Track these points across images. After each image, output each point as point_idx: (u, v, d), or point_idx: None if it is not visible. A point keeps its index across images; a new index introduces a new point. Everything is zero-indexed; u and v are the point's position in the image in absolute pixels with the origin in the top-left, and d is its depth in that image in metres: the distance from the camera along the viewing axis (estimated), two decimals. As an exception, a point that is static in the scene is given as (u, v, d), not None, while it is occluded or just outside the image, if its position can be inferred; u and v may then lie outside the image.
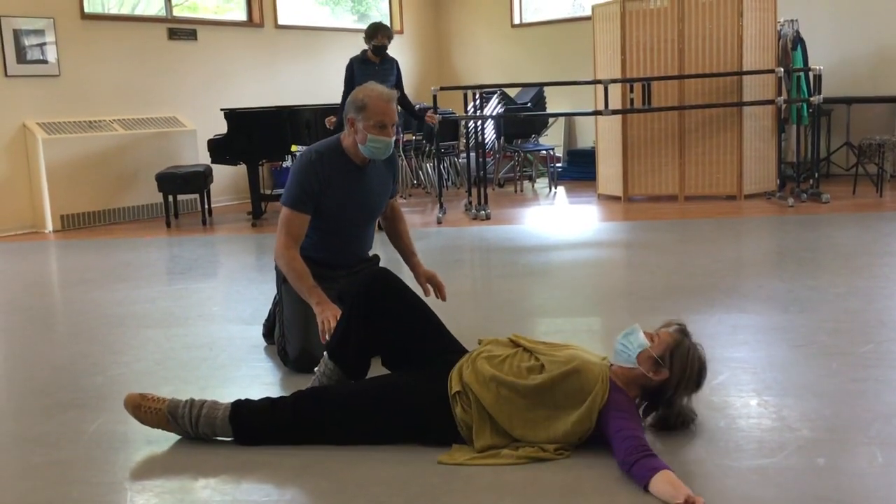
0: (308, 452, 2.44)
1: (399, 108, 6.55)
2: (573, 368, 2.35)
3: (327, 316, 2.92)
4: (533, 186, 9.65)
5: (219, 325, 4.06)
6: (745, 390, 2.83)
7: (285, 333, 3.25)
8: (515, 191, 9.28)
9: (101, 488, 2.30)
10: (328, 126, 7.00)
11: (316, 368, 2.74)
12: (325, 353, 2.73)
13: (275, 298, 3.66)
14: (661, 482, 2.06)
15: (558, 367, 2.37)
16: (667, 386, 2.40)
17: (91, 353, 3.64)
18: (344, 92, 6.59)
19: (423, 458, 2.36)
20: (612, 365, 2.45)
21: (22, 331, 4.15)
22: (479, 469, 2.29)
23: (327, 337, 2.81)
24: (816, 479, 2.17)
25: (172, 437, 2.57)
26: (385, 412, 2.46)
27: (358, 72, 6.64)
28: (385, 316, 2.61)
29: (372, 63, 6.69)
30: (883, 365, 3.03)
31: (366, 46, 6.75)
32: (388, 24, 11.07)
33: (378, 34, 6.66)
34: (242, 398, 2.59)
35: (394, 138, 3.19)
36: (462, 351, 2.62)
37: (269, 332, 3.64)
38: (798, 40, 7.85)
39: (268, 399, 2.59)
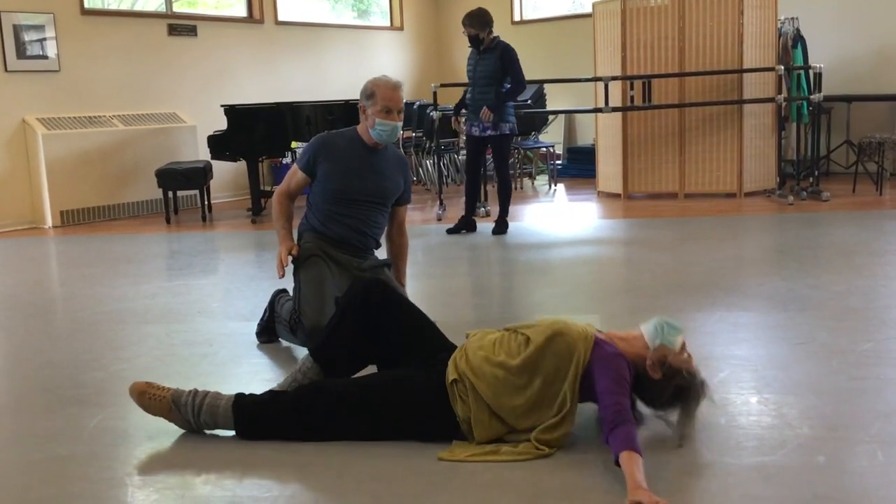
0: (309, 449, 2.44)
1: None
2: (556, 331, 2.42)
3: (284, 247, 3.41)
4: (533, 184, 9.65)
5: (219, 321, 4.06)
6: (745, 388, 2.84)
7: (300, 308, 3.38)
8: (515, 188, 9.25)
9: (102, 484, 2.30)
10: (485, 120, 6.13)
11: (296, 367, 2.76)
12: (308, 353, 2.73)
13: (272, 297, 3.68)
14: (625, 463, 2.09)
15: (541, 334, 2.43)
16: (646, 382, 2.43)
17: (91, 349, 3.64)
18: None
19: (424, 455, 2.36)
20: (599, 331, 2.50)
21: (22, 327, 4.15)
22: (480, 466, 2.29)
23: (282, 272, 3.35)
24: (816, 477, 2.17)
25: (174, 433, 2.58)
26: (386, 405, 2.46)
27: (469, 61, 6.31)
28: (380, 326, 2.62)
29: (473, 52, 6.22)
30: (883, 363, 3.03)
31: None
32: (387, 21, 11.11)
33: (471, 13, 6.08)
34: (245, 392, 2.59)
35: (399, 123, 3.49)
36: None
37: (262, 331, 3.66)
38: (798, 38, 7.85)
39: (270, 391, 2.61)
